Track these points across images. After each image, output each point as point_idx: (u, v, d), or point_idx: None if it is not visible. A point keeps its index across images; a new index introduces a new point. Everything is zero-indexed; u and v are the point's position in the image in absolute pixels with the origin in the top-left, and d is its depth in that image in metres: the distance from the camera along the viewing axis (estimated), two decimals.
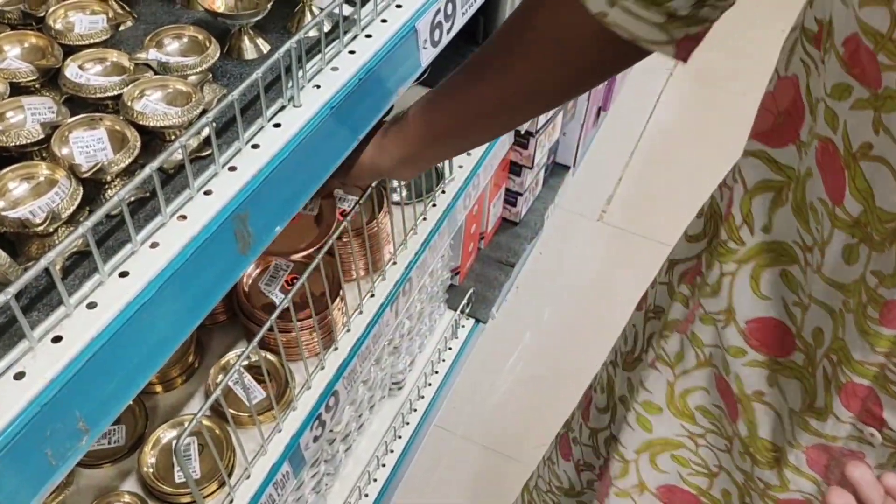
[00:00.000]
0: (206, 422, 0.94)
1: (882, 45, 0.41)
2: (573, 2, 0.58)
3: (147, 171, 0.59)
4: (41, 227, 0.56)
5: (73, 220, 0.61)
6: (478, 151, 1.42)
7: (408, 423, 1.61)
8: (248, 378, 1.02)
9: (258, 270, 1.09)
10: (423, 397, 1.66)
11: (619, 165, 2.34)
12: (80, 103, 0.69)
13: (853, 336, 0.50)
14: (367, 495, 1.48)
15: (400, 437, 1.59)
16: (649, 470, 0.75)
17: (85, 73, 0.70)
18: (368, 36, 0.85)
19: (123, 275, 0.61)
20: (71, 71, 0.69)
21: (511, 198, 1.97)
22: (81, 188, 0.60)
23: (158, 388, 1.02)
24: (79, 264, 0.61)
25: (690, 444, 0.72)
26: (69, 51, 0.71)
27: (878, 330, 0.48)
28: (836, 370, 0.53)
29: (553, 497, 1.00)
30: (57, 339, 0.56)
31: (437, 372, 1.70)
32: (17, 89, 0.68)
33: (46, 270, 0.54)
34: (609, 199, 2.24)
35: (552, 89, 0.69)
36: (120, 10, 0.77)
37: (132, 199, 0.65)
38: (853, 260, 0.50)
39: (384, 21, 0.87)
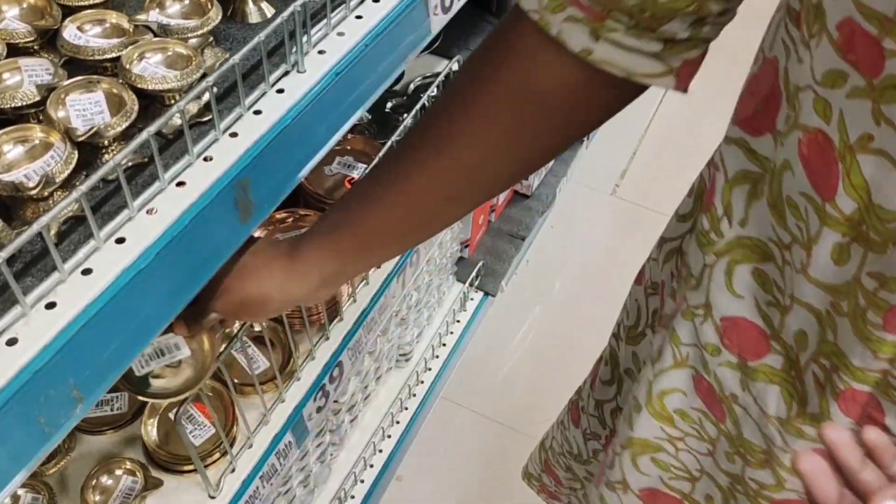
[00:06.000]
0: (208, 391, 0.94)
1: (889, 29, 0.37)
2: (547, 44, 0.49)
3: (144, 135, 0.58)
4: (35, 191, 0.55)
5: (68, 185, 0.60)
6: None
7: (414, 395, 1.61)
8: (251, 348, 1.01)
9: (265, 236, 1.08)
10: (430, 369, 1.65)
11: (634, 139, 2.31)
12: (78, 65, 0.68)
13: (850, 342, 0.47)
14: (371, 465, 1.48)
15: (406, 409, 1.59)
16: (631, 470, 0.72)
17: (84, 35, 0.68)
18: (376, 0, 0.83)
19: (120, 241, 0.60)
20: (69, 32, 0.67)
21: None
22: (77, 152, 0.58)
23: None
24: (74, 230, 0.60)
25: (670, 448, 0.69)
26: (68, 11, 0.70)
27: (882, 336, 0.45)
28: (830, 376, 0.50)
29: (565, 460, 0.99)
30: (51, 306, 0.55)
31: (444, 344, 1.70)
32: (15, 50, 0.67)
33: (40, 235, 0.53)
34: (623, 173, 2.22)
35: (525, 154, 0.57)
36: None
37: (129, 164, 0.63)
38: (844, 260, 0.46)
39: None
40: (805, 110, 0.45)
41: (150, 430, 0.92)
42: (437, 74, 1.20)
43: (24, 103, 0.60)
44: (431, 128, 0.58)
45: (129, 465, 0.90)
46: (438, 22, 0.93)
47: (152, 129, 0.58)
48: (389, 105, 1.37)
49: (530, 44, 0.50)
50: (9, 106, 0.60)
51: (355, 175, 1.16)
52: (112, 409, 0.95)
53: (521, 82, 0.52)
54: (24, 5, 0.69)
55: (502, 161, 0.57)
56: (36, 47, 0.68)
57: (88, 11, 0.69)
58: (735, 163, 0.54)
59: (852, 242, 0.45)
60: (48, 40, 0.68)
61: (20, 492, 0.86)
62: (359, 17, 0.81)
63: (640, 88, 0.52)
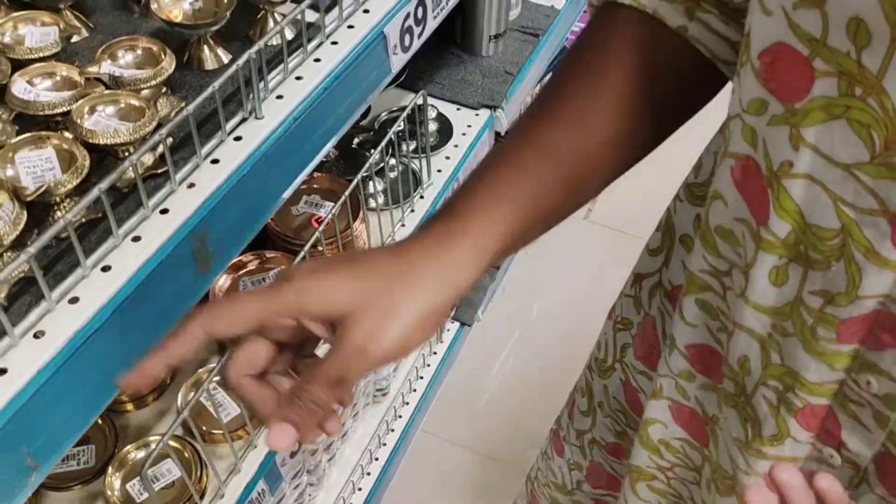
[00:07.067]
0: (174, 443, 0.92)
1: (818, 50, 0.38)
2: (649, 22, 0.51)
3: (95, 191, 0.57)
4: None
5: (19, 245, 0.58)
6: (457, 154, 1.39)
7: (393, 430, 1.59)
8: (221, 394, 0.99)
9: (230, 283, 1.07)
10: (408, 403, 1.63)
11: None
12: (29, 121, 0.66)
13: (803, 359, 0.48)
14: None
15: (385, 445, 1.56)
16: (632, 497, 0.73)
17: (34, 89, 0.67)
18: (334, 43, 0.82)
19: (73, 301, 0.58)
20: (18, 87, 0.66)
21: None
22: (25, 212, 0.57)
23: (129, 407, 0.99)
24: (27, 290, 0.58)
25: (661, 476, 0.69)
26: (18, 65, 0.68)
27: (837, 349, 0.46)
28: (784, 396, 0.50)
29: (549, 491, 0.99)
30: (1, 372, 0.54)
31: (422, 377, 1.68)
32: None
33: None
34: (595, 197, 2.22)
35: (648, 115, 0.54)
36: (73, 22, 0.75)
37: (83, 220, 0.62)
38: (782, 282, 0.47)
39: (351, 27, 0.84)
40: (735, 137, 0.47)
41: (115, 485, 0.90)
42: (404, 108, 1.19)
43: None
44: (569, 95, 0.54)
45: None
46: (399, 61, 0.92)
47: (104, 185, 0.57)
48: (356, 141, 1.36)
49: (632, 25, 0.52)
50: None
51: (322, 214, 1.15)
52: (79, 464, 0.93)
53: (630, 62, 0.52)
54: None
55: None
56: None
57: (38, 65, 0.68)
58: (684, 211, 0.57)
59: (790, 263, 0.46)
60: None
61: None
62: (317, 60, 0.80)
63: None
